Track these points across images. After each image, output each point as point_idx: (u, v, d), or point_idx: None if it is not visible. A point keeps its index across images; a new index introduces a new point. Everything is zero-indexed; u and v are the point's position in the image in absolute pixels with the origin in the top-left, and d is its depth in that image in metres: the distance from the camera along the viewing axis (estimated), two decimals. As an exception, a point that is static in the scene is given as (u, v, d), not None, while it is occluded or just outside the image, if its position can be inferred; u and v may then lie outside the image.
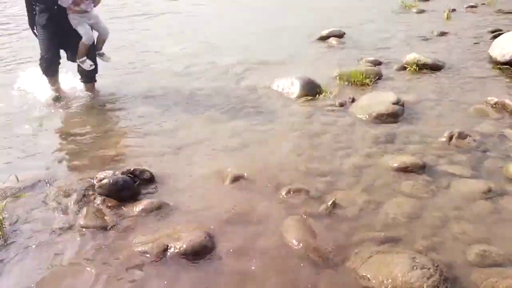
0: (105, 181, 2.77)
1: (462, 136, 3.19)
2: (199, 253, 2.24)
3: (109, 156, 3.27)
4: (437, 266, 2.01)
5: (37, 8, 4.06)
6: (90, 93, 4.39)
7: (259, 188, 2.80)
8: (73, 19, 4.06)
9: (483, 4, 7.84)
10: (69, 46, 4.21)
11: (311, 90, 4.23)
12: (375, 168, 2.95)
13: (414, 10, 7.59)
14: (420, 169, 2.87)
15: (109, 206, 2.68)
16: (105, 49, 4.52)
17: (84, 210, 2.62)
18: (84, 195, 2.78)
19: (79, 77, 4.39)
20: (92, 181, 2.86)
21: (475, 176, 2.80)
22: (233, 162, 3.09)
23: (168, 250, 2.27)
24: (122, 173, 2.89)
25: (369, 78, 4.42)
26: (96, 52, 4.42)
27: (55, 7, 4.00)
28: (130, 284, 2.06)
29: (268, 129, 3.59)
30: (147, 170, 2.97)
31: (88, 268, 2.14)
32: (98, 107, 4.16)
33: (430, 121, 3.57)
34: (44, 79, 4.30)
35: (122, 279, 2.08)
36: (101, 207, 2.66)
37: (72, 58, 4.28)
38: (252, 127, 3.61)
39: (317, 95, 4.17)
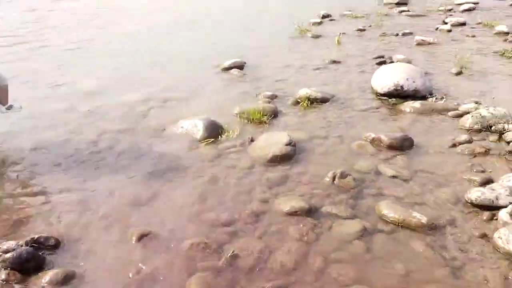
0: (8, 255, 2.81)
1: (343, 175, 3.63)
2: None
3: (11, 221, 3.27)
4: (316, 314, 2.36)
5: None
6: None
7: (164, 244, 2.99)
8: None
9: (370, 26, 8.62)
10: None
11: (214, 131, 4.49)
12: (270, 214, 3.28)
13: (309, 35, 8.15)
14: (307, 212, 3.24)
15: (15, 281, 2.73)
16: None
17: (-12, 288, 2.65)
18: (-14, 270, 2.79)
19: None
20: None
21: (353, 215, 3.23)
22: (139, 217, 3.26)
23: (76, 324, 2.40)
24: (26, 243, 2.94)
25: (266, 115, 4.78)
26: (4, 108, 4.26)
27: None
28: None
29: (173, 176, 3.78)
30: (52, 237, 3.05)
31: None
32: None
33: (318, 160, 3.99)
34: None
35: None
36: (6, 282, 2.70)
37: None
38: (157, 176, 3.78)
39: (220, 136, 4.44)
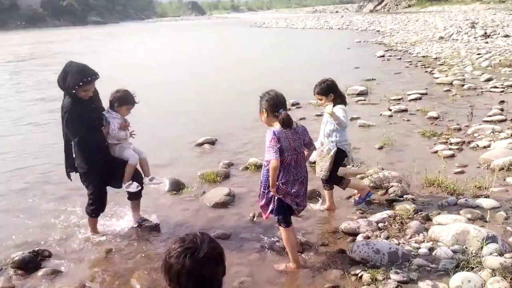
0: (16, 258, 4.19)
1: (260, 215, 5.00)
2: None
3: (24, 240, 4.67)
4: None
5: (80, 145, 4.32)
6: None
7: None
8: (119, 148, 4.58)
9: (330, 112, 10.27)
10: (113, 177, 4.59)
11: (177, 187, 5.96)
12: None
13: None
14: (227, 237, 4.59)
15: (19, 274, 4.07)
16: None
17: (1, 278, 3.99)
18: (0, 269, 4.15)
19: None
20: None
21: (257, 239, 4.55)
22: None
23: (56, 296, 3.72)
24: (29, 253, 4.31)
25: (220, 176, 6.25)
26: (148, 178, 4.84)
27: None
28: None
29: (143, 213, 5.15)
30: (47, 250, 4.41)
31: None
32: None
33: (248, 206, 5.37)
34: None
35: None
36: (13, 275, 4.04)
37: (116, 185, 4.71)
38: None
39: (181, 190, 5.90)
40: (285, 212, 3.97)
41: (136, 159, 4.66)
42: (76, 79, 4.08)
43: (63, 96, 4.33)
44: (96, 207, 4.55)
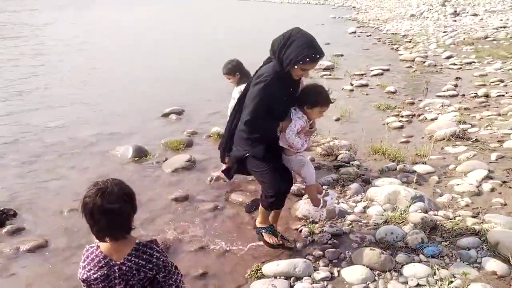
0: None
1: (217, 178, 5.35)
2: (38, 248, 4.03)
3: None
4: None
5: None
6: None
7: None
8: (299, 160, 3.68)
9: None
10: None
11: (140, 153, 6.23)
12: (159, 201, 4.95)
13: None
14: (185, 198, 4.94)
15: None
16: None
17: (-32, 233, 4.26)
18: (-33, 226, 4.41)
19: None
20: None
21: (213, 200, 4.92)
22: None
23: (20, 249, 4.01)
24: (-3, 211, 4.58)
25: (182, 144, 6.55)
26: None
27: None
28: None
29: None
30: (12, 209, 4.69)
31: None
32: None
33: (207, 171, 5.71)
34: None
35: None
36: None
37: None
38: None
39: (144, 157, 6.18)
40: None
41: (314, 179, 3.75)
42: (302, 53, 3.18)
43: (263, 62, 3.50)
44: (275, 201, 3.62)
